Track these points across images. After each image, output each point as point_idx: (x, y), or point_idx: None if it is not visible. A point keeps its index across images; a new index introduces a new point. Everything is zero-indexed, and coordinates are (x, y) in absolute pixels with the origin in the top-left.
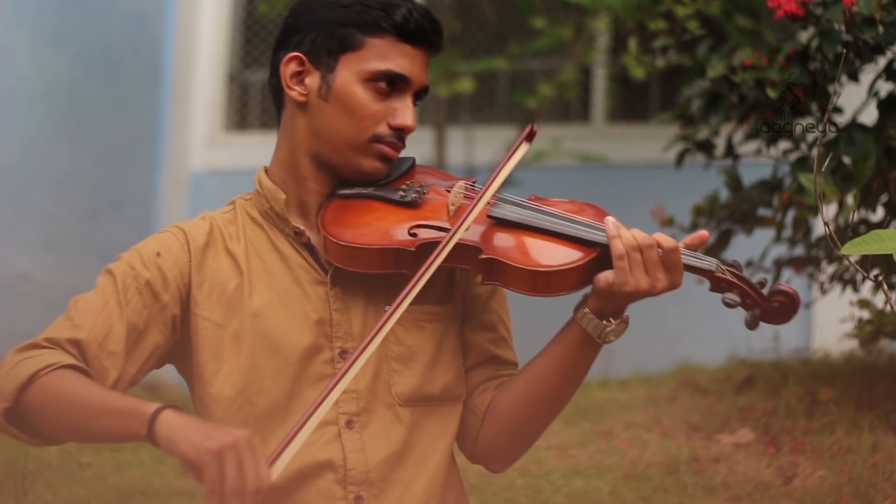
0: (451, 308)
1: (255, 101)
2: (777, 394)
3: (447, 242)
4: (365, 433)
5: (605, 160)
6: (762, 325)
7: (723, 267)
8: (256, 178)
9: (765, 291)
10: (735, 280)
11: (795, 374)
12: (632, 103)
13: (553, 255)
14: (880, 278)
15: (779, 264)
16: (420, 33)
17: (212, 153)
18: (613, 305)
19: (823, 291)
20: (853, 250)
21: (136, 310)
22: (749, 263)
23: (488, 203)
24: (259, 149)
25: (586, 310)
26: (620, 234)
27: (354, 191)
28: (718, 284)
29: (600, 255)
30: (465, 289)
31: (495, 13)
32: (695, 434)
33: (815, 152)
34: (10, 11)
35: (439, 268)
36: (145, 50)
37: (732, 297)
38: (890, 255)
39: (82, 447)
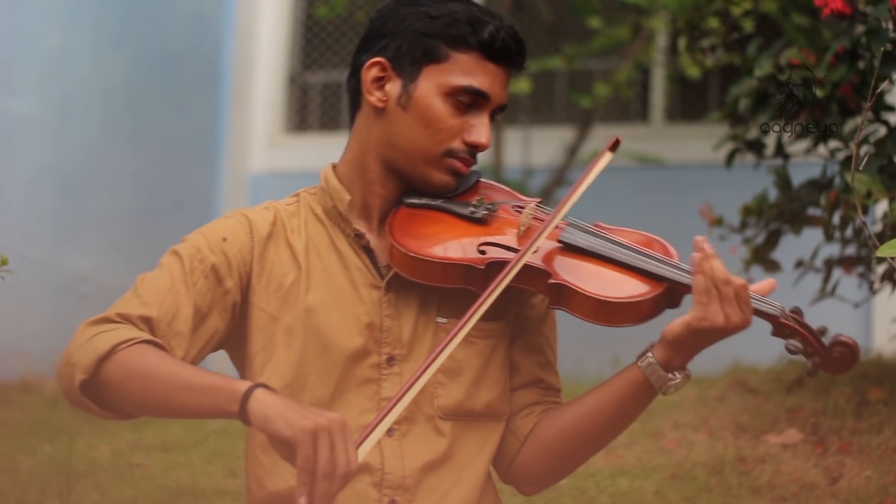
0: (502, 325)
1: (314, 103)
2: (826, 394)
3: (516, 264)
4: (404, 441)
5: (662, 161)
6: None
7: (787, 313)
8: (323, 174)
9: (825, 340)
10: (798, 327)
11: (845, 374)
12: (691, 102)
13: (622, 287)
14: None
15: (829, 264)
16: (505, 53)
17: (271, 155)
18: (683, 355)
19: (874, 291)
20: (889, 252)
21: (201, 292)
22: (799, 263)
23: (558, 227)
24: (318, 150)
25: (652, 360)
26: (703, 269)
27: (423, 201)
28: (782, 330)
29: (666, 291)
30: (520, 309)
31: (552, 13)
32: (742, 434)
33: (854, 150)
34: (69, 14)
35: (484, 288)
36: (205, 52)
37: (795, 344)
38: None
39: (134, 447)
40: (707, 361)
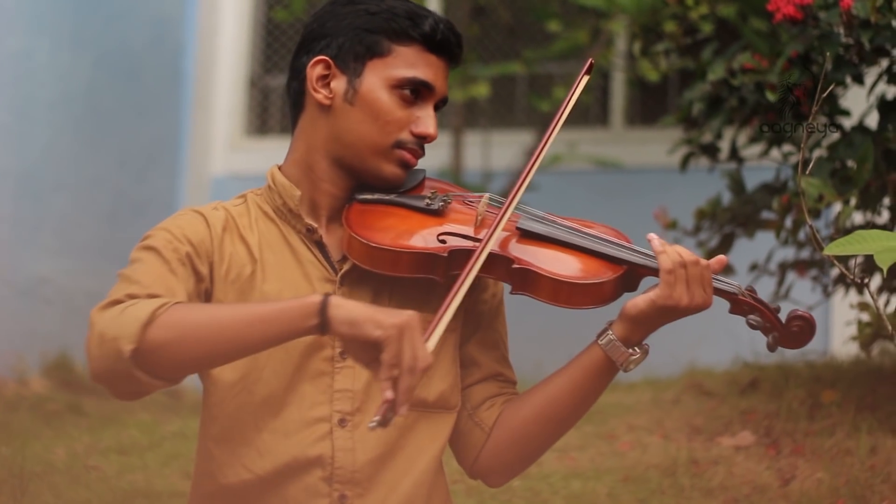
0: (452, 320)
1: (275, 106)
2: (780, 396)
3: (483, 248)
4: (356, 433)
5: (621, 165)
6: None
7: (744, 291)
8: (269, 174)
9: (782, 317)
10: (755, 303)
11: (799, 377)
12: (650, 106)
13: (584, 270)
14: (865, 280)
15: (783, 267)
16: (445, 44)
17: (233, 158)
18: (641, 332)
19: (827, 294)
20: (836, 251)
21: (183, 279)
22: (754, 267)
23: (514, 217)
24: (280, 153)
25: (612, 336)
26: (666, 249)
27: (376, 196)
28: (740, 307)
29: (626, 274)
30: (471, 306)
31: (511, 17)
32: (696, 436)
33: (815, 154)
34: (29, 17)
35: (445, 280)
36: (166, 55)
37: (755, 318)
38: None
39: (91, 449)
40: (663, 364)
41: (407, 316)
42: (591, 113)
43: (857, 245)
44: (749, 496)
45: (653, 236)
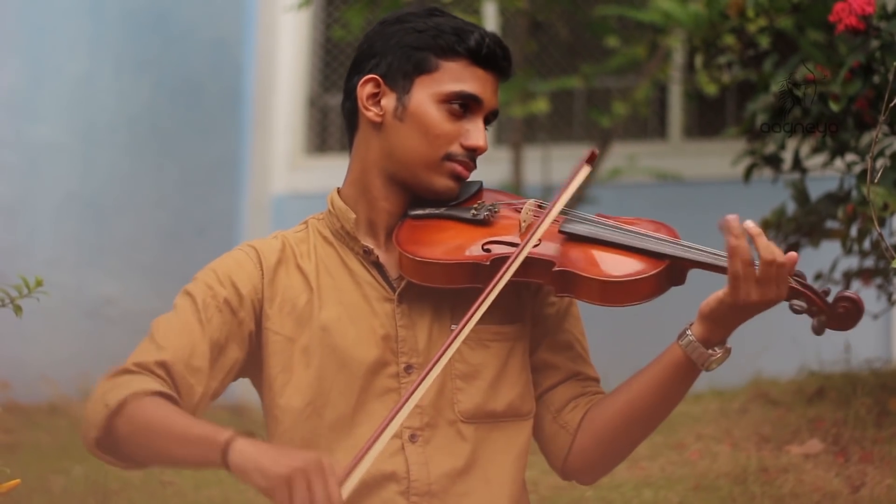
0: (517, 328)
1: (334, 125)
2: (847, 405)
3: (517, 255)
4: (428, 447)
5: (681, 177)
6: (834, 336)
7: (794, 278)
8: (329, 198)
9: (829, 299)
10: (802, 288)
11: (866, 384)
12: (708, 119)
13: (624, 267)
14: None
15: (848, 276)
16: (492, 58)
17: (293, 177)
18: (721, 331)
19: (892, 302)
20: None
21: (216, 327)
22: (818, 276)
23: (558, 219)
24: (340, 171)
25: (692, 337)
26: (737, 252)
27: (426, 211)
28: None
29: (669, 268)
30: (537, 310)
31: (569, 33)
32: (765, 445)
33: (879, 164)
34: (92, 41)
35: (507, 287)
36: (226, 76)
37: (799, 303)
38: None
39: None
40: (728, 374)
41: (303, 460)
42: (650, 126)
43: None
44: (819, 503)
45: (729, 239)
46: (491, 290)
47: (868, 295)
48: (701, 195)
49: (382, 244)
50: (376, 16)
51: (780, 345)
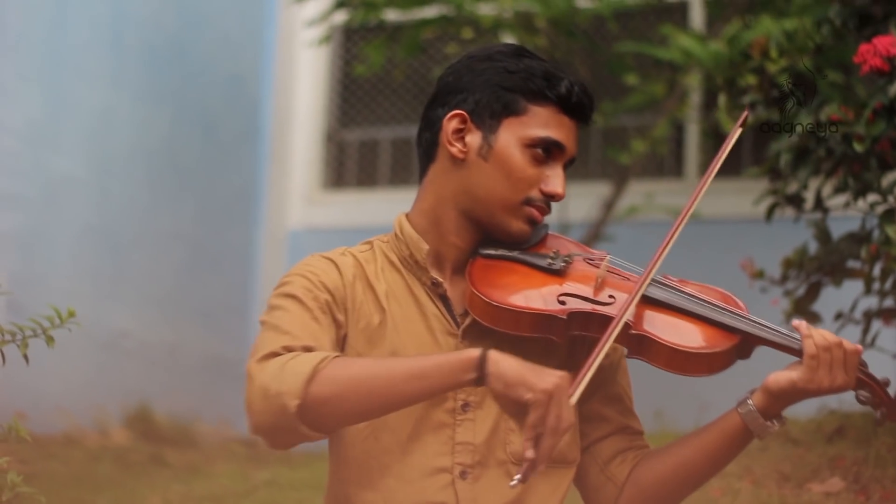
0: (570, 376)
1: (351, 160)
2: (867, 443)
3: (620, 318)
4: (477, 485)
5: (698, 215)
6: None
7: (861, 368)
8: (397, 222)
9: (892, 392)
10: (868, 380)
11: (886, 424)
12: (725, 158)
13: (698, 339)
14: None
15: (868, 315)
16: (579, 107)
17: (309, 211)
18: (782, 405)
19: None
20: None
21: (326, 327)
22: (839, 315)
23: (633, 279)
24: (356, 206)
25: (752, 407)
26: (812, 334)
27: (500, 252)
28: (856, 382)
29: (740, 343)
30: None
31: (588, 71)
32: (785, 483)
33: None
34: (109, 73)
35: (568, 338)
36: (243, 110)
37: (865, 394)
38: None
39: (184, 498)
40: None
41: (558, 378)
42: (666, 164)
43: None
44: None
45: (800, 322)
46: (599, 352)
47: (888, 334)
48: (718, 234)
49: (448, 277)
50: (395, 52)
51: None
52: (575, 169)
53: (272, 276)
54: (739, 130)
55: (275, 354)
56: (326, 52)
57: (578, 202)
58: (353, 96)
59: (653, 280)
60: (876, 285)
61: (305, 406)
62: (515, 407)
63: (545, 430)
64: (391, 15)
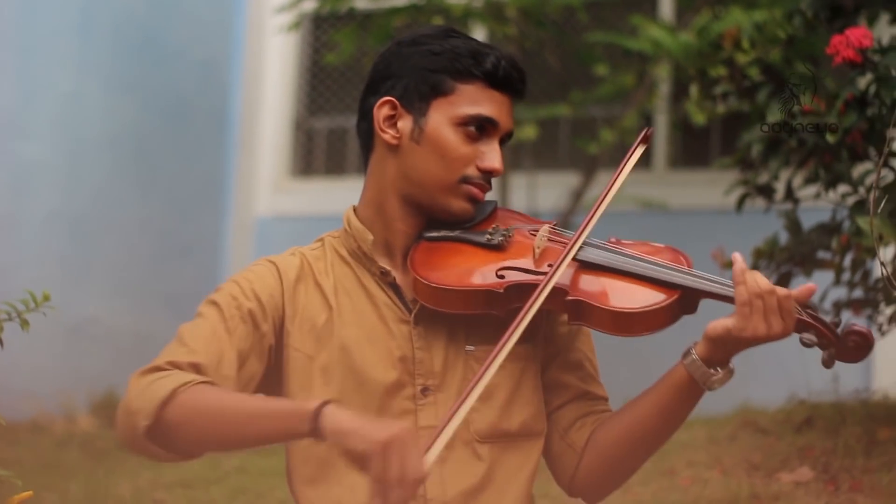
0: (530, 348)
1: (320, 148)
2: (836, 433)
3: (544, 286)
4: (444, 468)
5: (666, 206)
6: (820, 365)
7: (800, 309)
8: (345, 216)
9: (839, 331)
10: (812, 321)
11: (854, 414)
12: (693, 149)
13: (637, 297)
14: None
15: (838, 306)
16: (507, 80)
17: (278, 199)
18: (724, 353)
19: (882, 333)
20: None
21: (241, 337)
22: (806, 307)
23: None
24: (324, 195)
25: (695, 356)
26: (745, 279)
27: (441, 234)
28: (797, 324)
29: (681, 298)
30: (548, 329)
31: (558, 61)
32: (755, 472)
33: (872, 196)
34: (80, 60)
35: (504, 311)
36: (213, 98)
37: (809, 336)
38: None
39: (154, 484)
40: (715, 402)
41: (396, 429)
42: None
43: None
44: None
45: (737, 258)
46: (519, 323)
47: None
48: (687, 224)
49: (399, 265)
50: (365, 40)
51: (767, 374)
52: (544, 159)
53: (240, 263)
54: (641, 148)
55: (157, 369)
56: (296, 39)
57: (547, 192)
58: (321, 84)
59: (593, 244)
60: (846, 276)
61: (155, 428)
62: (358, 463)
63: (389, 482)
64: (361, 3)
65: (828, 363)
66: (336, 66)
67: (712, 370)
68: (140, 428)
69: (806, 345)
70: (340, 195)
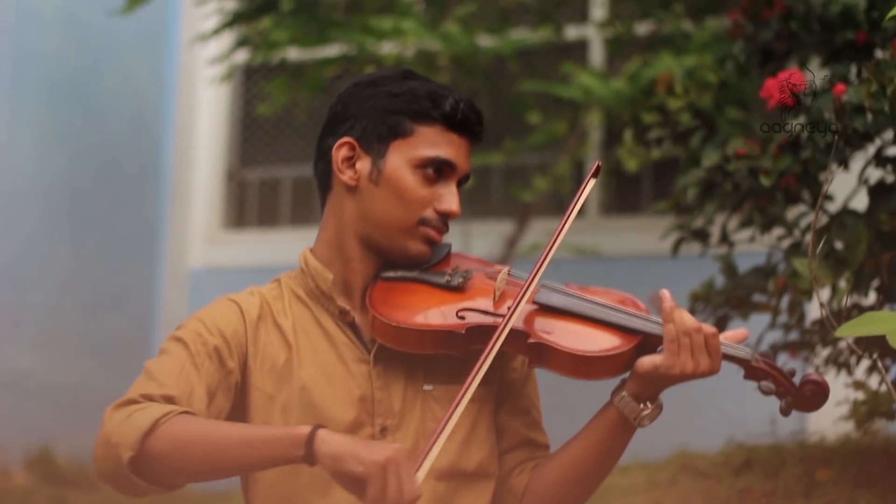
0: (486, 389)
1: (252, 199)
2: (775, 475)
3: (504, 325)
4: None
5: (600, 253)
6: (759, 408)
7: (757, 357)
8: (302, 257)
9: (796, 381)
10: (769, 369)
11: (793, 456)
12: (625, 196)
13: (597, 342)
14: (875, 357)
15: (774, 349)
16: (466, 123)
17: (211, 250)
18: (652, 389)
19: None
20: (848, 332)
21: (209, 373)
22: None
23: (534, 290)
24: (257, 246)
25: (624, 393)
26: (674, 318)
27: (399, 273)
28: (754, 373)
29: (640, 343)
30: (502, 374)
31: (490, 110)
32: None
33: (808, 238)
34: (11, 111)
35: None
36: (145, 149)
37: (768, 385)
38: (883, 336)
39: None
40: (654, 447)
41: (391, 451)
42: (568, 202)
43: (868, 326)
44: None
45: (666, 295)
46: (484, 361)
47: (794, 367)
48: (621, 270)
49: (357, 306)
50: (297, 91)
51: (705, 417)
52: (477, 207)
53: (174, 315)
54: (593, 181)
55: (131, 402)
56: (227, 91)
57: (481, 240)
58: (253, 136)
59: (552, 288)
60: (782, 318)
61: (139, 459)
62: (353, 485)
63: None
64: (293, 54)
65: (785, 411)
66: (268, 117)
67: (641, 405)
68: (123, 460)
69: (764, 393)
70: (273, 246)
